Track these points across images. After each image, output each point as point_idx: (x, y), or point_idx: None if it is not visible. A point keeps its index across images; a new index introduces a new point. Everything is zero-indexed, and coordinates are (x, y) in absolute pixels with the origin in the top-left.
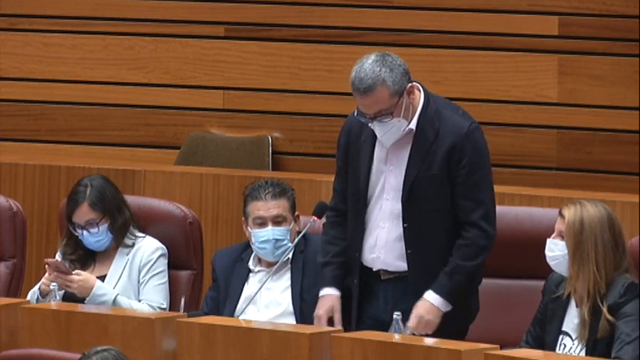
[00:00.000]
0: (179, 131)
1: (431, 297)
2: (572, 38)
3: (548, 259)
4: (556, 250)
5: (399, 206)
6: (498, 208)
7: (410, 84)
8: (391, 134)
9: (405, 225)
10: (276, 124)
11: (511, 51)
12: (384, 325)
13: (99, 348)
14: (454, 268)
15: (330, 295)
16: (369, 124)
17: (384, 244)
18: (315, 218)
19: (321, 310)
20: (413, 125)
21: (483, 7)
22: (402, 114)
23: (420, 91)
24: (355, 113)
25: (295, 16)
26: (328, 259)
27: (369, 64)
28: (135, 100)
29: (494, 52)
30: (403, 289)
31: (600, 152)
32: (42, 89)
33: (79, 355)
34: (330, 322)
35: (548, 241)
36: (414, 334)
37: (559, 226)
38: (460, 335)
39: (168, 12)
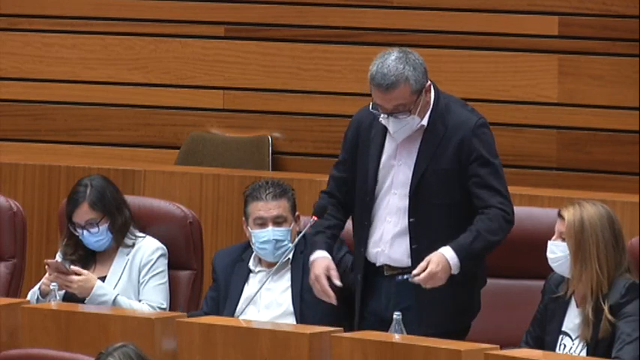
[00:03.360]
0: (179, 131)
1: (448, 254)
2: (572, 38)
3: (550, 262)
4: (558, 252)
5: (406, 201)
6: None
7: (428, 83)
8: (404, 130)
9: (411, 220)
10: (276, 124)
11: (511, 51)
12: (386, 323)
13: (116, 345)
14: (478, 235)
15: (321, 257)
16: (382, 119)
17: (389, 238)
18: (315, 218)
19: (318, 269)
20: (425, 121)
21: (483, 7)
22: (418, 111)
23: (431, 87)
24: (370, 107)
25: (295, 16)
26: (320, 229)
27: (392, 60)
28: (135, 100)
29: (494, 52)
30: (406, 287)
31: (600, 152)
32: (42, 89)
33: (79, 355)
34: (329, 281)
35: (549, 243)
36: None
37: (559, 227)
38: (464, 332)
39: (169, 12)
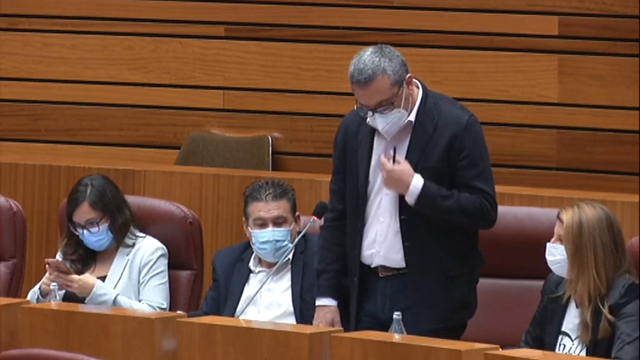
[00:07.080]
0: (179, 131)
1: (418, 180)
2: (572, 38)
3: (549, 264)
4: (557, 255)
5: (397, 200)
6: (499, 208)
7: (408, 74)
8: (393, 125)
9: (402, 217)
10: (276, 124)
11: (511, 51)
12: (382, 324)
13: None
14: (452, 196)
15: (327, 306)
16: (369, 119)
17: (383, 238)
18: (315, 218)
19: (322, 324)
20: (412, 117)
21: (483, 7)
22: (402, 104)
23: (418, 86)
24: (355, 107)
25: (295, 16)
26: (324, 266)
27: (367, 55)
28: (135, 100)
29: (494, 52)
30: (401, 287)
31: (600, 152)
32: (42, 89)
33: (79, 355)
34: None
35: (548, 245)
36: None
37: (558, 229)
38: (460, 329)
39: (168, 12)
